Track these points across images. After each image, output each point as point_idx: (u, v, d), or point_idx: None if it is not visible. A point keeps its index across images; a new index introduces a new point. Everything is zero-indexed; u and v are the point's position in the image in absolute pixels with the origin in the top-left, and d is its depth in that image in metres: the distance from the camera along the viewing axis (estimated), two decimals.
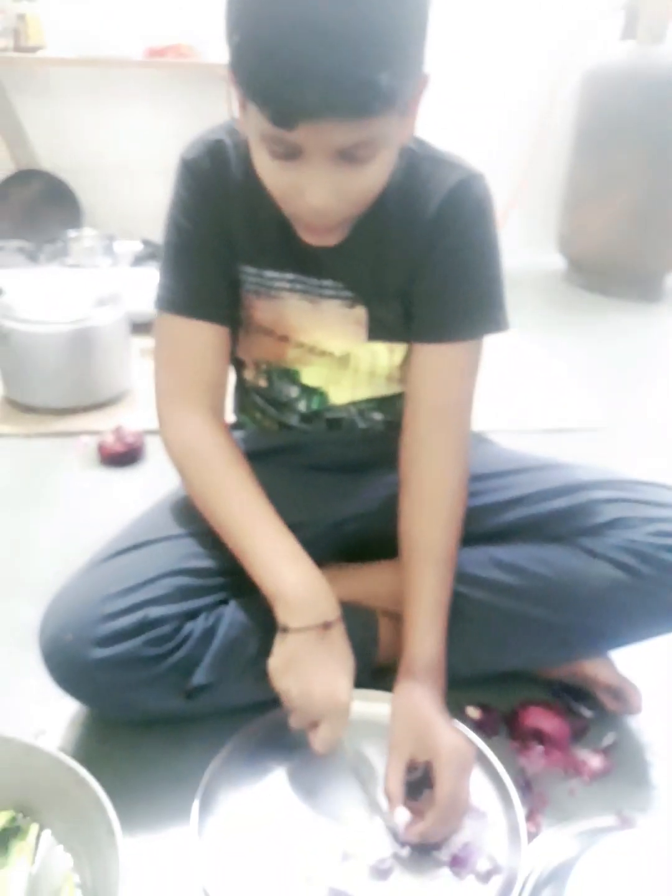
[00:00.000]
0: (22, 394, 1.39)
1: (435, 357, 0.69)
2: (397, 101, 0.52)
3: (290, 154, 0.54)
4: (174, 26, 2.11)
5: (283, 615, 0.62)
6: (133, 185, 2.41)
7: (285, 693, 0.62)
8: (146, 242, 2.21)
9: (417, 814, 0.60)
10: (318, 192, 0.55)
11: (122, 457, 1.21)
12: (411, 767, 0.61)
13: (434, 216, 0.66)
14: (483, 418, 0.99)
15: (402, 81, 0.51)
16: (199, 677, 0.65)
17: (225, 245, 0.70)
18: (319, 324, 0.72)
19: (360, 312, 0.72)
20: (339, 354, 0.74)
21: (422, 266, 0.68)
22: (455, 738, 0.61)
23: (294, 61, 0.48)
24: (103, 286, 1.45)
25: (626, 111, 2.06)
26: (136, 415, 1.35)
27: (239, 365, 0.81)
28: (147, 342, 1.51)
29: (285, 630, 0.62)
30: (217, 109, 2.21)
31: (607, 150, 2.15)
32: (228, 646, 0.66)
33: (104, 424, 1.31)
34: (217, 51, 2.16)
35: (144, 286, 1.65)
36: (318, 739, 0.61)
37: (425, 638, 0.66)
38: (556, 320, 2.07)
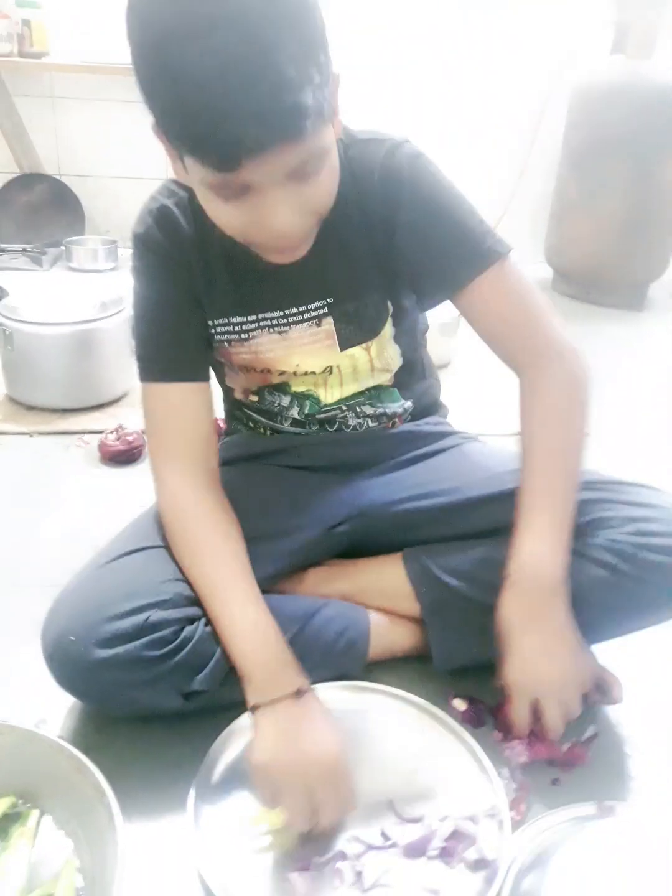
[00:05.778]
0: (25, 393, 1.40)
1: (468, 299, 0.69)
2: (324, 110, 0.54)
3: (241, 191, 0.55)
4: None
5: (252, 696, 0.62)
6: (135, 190, 2.42)
7: (270, 779, 0.58)
8: None
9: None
10: (280, 216, 0.57)
11: (123, 455, 1.23)
12: None
13: (379, 190, 0.67)
14: (471, 422, 1.02)
15: (323, 90, 0.53)
16: (198, 684, 0.65)
17: (192, 305, 0.72)
18: (293, 351, 0.74)
19: (328, 327, 0.73)
20: (319, 371, 0.76)
21: (391, 248, 0.69)
22: (522, 661, 0.62)
23: (222, 105, 0.49)
24: (105, 289, 1.47)
25: (614, 125, 2.07)
26: (137, 415, 1.33)
27: (227, 390, 0.83)
28: None
29: (255, 709, 0.61)
30: None
31: (595, 163, 2.16)
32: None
33: (105, 424, 1.32)
34: None
35: None
36: (326, 818, 0.58)
37: (528, 543, 0.64)
38: None
